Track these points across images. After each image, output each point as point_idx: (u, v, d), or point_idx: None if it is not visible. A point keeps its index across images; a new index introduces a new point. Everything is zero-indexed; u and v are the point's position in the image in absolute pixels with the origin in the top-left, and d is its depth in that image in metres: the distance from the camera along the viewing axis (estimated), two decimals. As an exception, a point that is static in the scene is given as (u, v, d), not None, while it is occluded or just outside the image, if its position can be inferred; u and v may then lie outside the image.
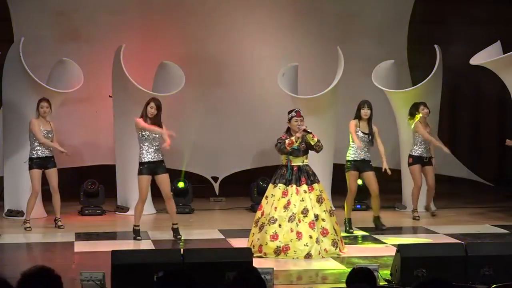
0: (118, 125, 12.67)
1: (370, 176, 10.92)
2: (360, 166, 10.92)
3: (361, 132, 10.93)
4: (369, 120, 10.92)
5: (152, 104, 10.17)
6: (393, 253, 7.93)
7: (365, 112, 10.88)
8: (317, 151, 9.60)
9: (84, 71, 12.15)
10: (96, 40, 13.50)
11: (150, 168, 10.13)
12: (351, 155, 10.96)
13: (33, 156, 11.07)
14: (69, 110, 12.90)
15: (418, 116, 11.78)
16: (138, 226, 10.35)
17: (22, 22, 13.29)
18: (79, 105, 12.94)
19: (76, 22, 13.54)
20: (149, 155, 10.13)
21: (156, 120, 10.14)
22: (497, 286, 6.72)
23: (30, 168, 11.08)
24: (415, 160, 11.92)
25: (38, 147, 11.05)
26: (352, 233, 10.81)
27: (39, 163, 11.06)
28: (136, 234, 10.31)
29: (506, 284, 6.70)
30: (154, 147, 10.15)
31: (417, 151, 11.91)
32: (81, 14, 13.56)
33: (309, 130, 9.47)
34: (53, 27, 13.46)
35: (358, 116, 10.96)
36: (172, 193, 10.64)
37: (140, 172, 10.17)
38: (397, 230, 11.12)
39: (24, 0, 13.36)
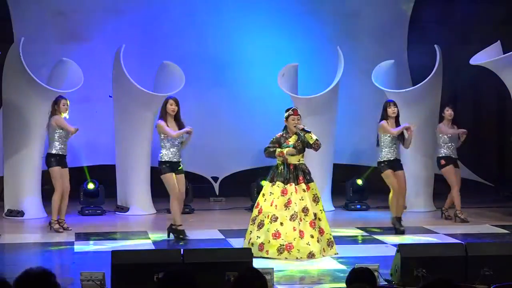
0: (118, 125, 12.69)
1: (401, 175, 10.79)
2: (395, 165, 10.78)
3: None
4: (397, 118, 10.84)
5: (171, 101, 10.31)
6: (393, 253, 7.93)
7: (392, 110, 10.75)
8: (316, 149, 9.55)
9: (84, 71, 12.16)
10: (96, 40, 13.51)
11: (172, 166, 10.20)
12: (385, 155, 10.75)
13: (53, 153, 10.95)
14: (69, 110, 12.89)
15: None
16: (181, 225, 10.32)
17: (22, 22, 13.29)
18: (79, 105, 12.94)
19: (76, 22, 13.54)
20: (169, 155, 10.21)
21: (177, 117, 10.26)
22: (497, 286, 6.73)
23: (50, 166, 10.98)
24: (447, 161, 11.79)
25: (59, 145, 10.99)
26: (402, 232, 10.66)
27: (59, 161, 10.98)
28: (182, 234, 10.25)
29: (506, 284, 6.70)
30: (175, 148, 10.21)
31: (445, 152, 11.80)
32: (81, 14, 13.56)
33: (308, 129, 9.46)
34: (53, 27, 13.47)
35: (385, 116, 10.80)
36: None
37: (163, 171, 10.23)
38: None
39: (24, 0, 13.37)
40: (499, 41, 12.19)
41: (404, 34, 14.35)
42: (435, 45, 12.89)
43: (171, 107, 10.23)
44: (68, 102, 11.06)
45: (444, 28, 13.95)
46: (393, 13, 14.28)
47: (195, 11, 13.85)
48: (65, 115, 11.00)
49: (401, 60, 13.97)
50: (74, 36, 13.48)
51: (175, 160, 10.22)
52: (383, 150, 10.77)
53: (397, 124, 10.79)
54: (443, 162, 11.82)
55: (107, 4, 13.65)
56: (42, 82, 11.90)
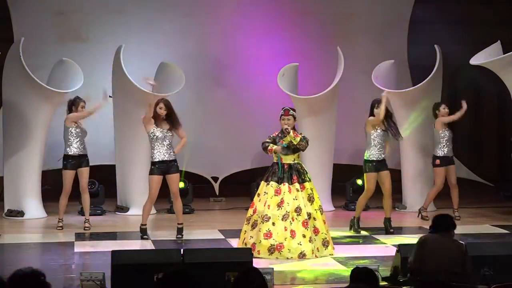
0: (118, 125, 12.68)
1: (385, 175, 10.73)
2: (380, 166, 10.75)
3: (380, 129, 10.79)
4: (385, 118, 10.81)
5: (161, 104, 10.15)
6: (393, 253, 7.93)
7: (378, 110, 10.74)
8: (302, 150, 9.50)
9: (84, 71, 12.16)
10: (96, 40, 13.51)
11: (161, 168, 10.12)
12: (373, 155, 10.71)
13: (68, 154, 10.96)
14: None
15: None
16: (145, 225, 10.34)
17: (22, 22, 13.30)
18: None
19: (76, 22, 13.54)
20: (160, 155, 10.12)
21: (169, 121, 10.14)
22: (497, 286, 6.72)
23: (64, 168, 10.97)
24: (442, 161, 11.77)
25: (73, 146, 10.97)
26: (359, 232, 10.76)
27: (74, 164, 10.96)
28: (143, 233, 10.30)
29: (506, 284, 6.70)
30: (165, 146, 10.12)
31: (444, 151, 11.77)
32: (81, 14, 13.57)
33: (288, 130, 9.39)
34: (53, 27, 13.47)
35: (373, 115, 10.78)
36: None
37: (151, 172, 10.17)
38: (397, 230, 11.08)
39: (24, 0, 13.37)
40: (499, 41, 12.19)
41: (404, 34, 14.34)
42: (435, 45, 12.88)
43: (160, 111, 10.08)
44: (83, 103, 11.07)
45: (444, 28, 13.94)
46: (393, 13, 14.27)
47: (195, 11, 13.84)
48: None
49: (401, 60, 13.96)
50: (74, 36, 13.48)
51: (167, 159, 10.15)
52: (372, 148, 10.74)
53: (385, 123, 10.77)
54: (437, 161, 11.81)
55: (107, 4, 13.65)
56: (42, 82, 11.90)
